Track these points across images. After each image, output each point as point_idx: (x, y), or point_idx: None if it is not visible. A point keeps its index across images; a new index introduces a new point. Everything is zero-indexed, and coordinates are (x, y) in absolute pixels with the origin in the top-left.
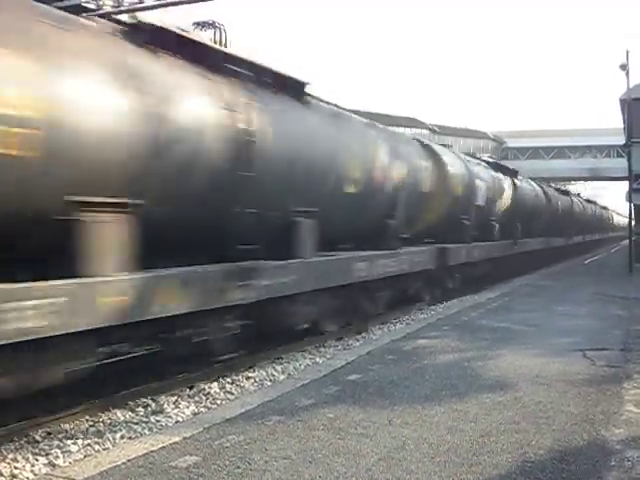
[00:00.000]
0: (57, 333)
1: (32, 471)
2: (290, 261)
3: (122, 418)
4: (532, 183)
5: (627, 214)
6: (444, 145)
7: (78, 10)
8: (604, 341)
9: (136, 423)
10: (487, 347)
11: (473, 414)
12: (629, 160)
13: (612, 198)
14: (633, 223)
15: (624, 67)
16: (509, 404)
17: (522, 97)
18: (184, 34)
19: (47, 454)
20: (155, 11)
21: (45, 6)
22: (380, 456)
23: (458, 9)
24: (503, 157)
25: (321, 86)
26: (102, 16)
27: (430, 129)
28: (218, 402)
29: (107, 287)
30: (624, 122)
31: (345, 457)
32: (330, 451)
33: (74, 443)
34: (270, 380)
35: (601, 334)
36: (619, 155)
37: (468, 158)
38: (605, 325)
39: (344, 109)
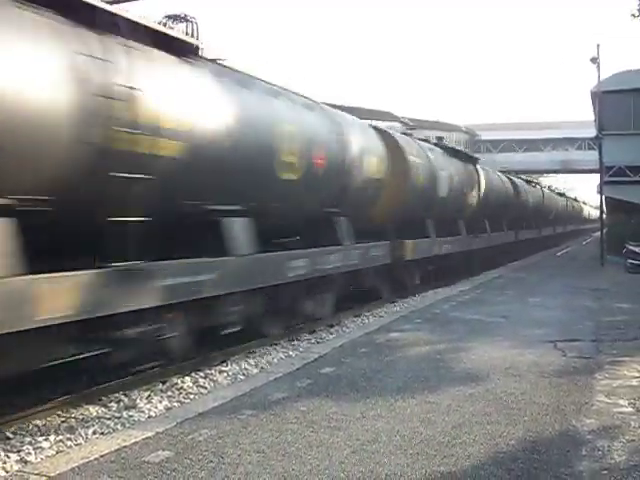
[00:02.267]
0: None
1: (3, 468)
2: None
3: (94, 414)
4: (498, 173)
5: (598, 206)
6: (405, 133)
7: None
8: (575, 332)
9: (108, 418)
10: (459, 339)
11: (445, 406)
12: (600, 153)
13: (584, 190)
14: (604, 216)
15: (595, 60)
16: (481, 396)
17: (494, 90)
18: None
19: (19, 450)
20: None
21: None
22: (353, 449)
23: (430, 4)
24: (476, 150)
25: (298, 80)
26: None
27: (403, 122)
28: (191, 396)
29: None
30: (595, 115)
31: (318, 450)
32: (303, 444)
33: (46, 439)
34: (243, 374)
35: (572, 325)
36: (590, 148)
37: (430, 146)
38: (576, 316)
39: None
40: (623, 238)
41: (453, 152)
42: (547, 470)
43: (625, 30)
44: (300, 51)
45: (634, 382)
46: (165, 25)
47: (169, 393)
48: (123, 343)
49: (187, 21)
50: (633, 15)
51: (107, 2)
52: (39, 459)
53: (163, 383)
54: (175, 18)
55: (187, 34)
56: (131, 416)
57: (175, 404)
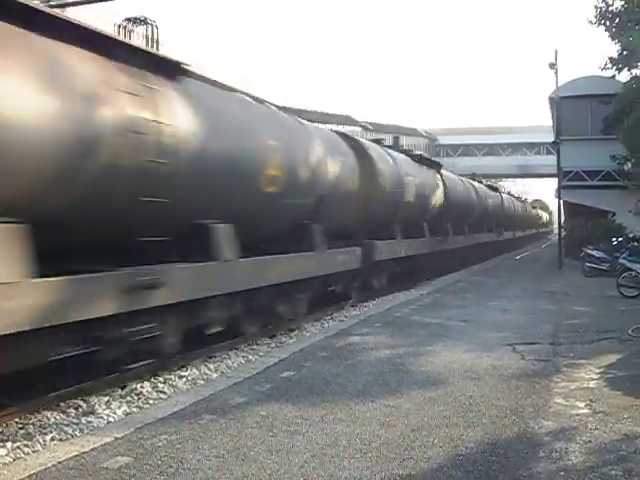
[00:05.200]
0: None
1: None
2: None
3: (52, 420)
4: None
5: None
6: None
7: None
8: (534, 335)
9: (67, 425)
10: (419, 343)
11: (405, 409)
12: (558, 157)
13: (543, 195)
14: (562, 219)
15: (553, 66)
16: (440, 399)
17: (454, 95)
18: None
19: None
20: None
21: None
22: (313, 453)
23: (391, 7)
24: (436, 154)
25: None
26: None
27: (363, 127)
28: (150, 402)
29: None
30: (553, 120)
31: (277, 454)
32: (262, 449)
33: (3, 446)
34: (203, 379)
35: (531, 328)
36: (549, 152)
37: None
38: (535, 319)
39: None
40: (581, 242)
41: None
42: (505, 472)
43: (583, 37)
44: (262, 53)
45: (591, 384)
46: (125, 28)
47: (128, 398)
48: None
49: (147, 24)
50: (590, 22)
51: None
52: None
53: (122, 388)
54: (135, 21)
55: (147, 37)
56: (90, 422)
57: (134, 409)
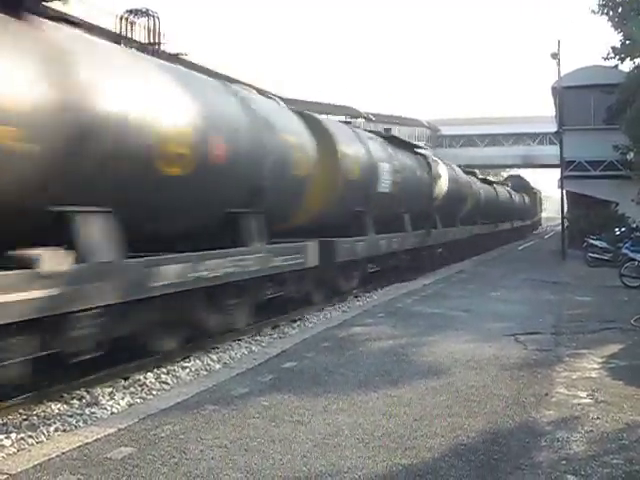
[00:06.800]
0: None
1: None
2: None
3: (56, 411)
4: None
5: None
6: None
7: None
8: (536, 325)
9: (70, 416)
10: (421, 333)
11: (407, 399)
12: (561, 147)
13: (546, 185)
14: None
15: (555, 56)
16: (442, 389)
17: (456, 85)
18: None
19: None
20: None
21: None
22: (315, 443)
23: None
24: (438, 145)
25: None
26: None
27: (365, 117)
28: (154, 393)
29: None
30: (556, 110)
31: (280, 444)
32: (265, 439)
33: (7, 437)
34: (206, 369)
35: (533, 319)
36: (551, 142)
37: None
38: (537, 310)
39: None
40: (584, 232)
41: None
42: (507, 461)
43: (586, 26)
44: (263, 45)
45: (593, 374)
46: (127, 20)
47: (131, 389)
48: None
49: (149, 16)
50: (593, 11)
51: None
52: (0, 457)
53: (125, 379)
54: (137, 13)
55: (149, 29)
56: (93, 413)
57: (137, 400)
